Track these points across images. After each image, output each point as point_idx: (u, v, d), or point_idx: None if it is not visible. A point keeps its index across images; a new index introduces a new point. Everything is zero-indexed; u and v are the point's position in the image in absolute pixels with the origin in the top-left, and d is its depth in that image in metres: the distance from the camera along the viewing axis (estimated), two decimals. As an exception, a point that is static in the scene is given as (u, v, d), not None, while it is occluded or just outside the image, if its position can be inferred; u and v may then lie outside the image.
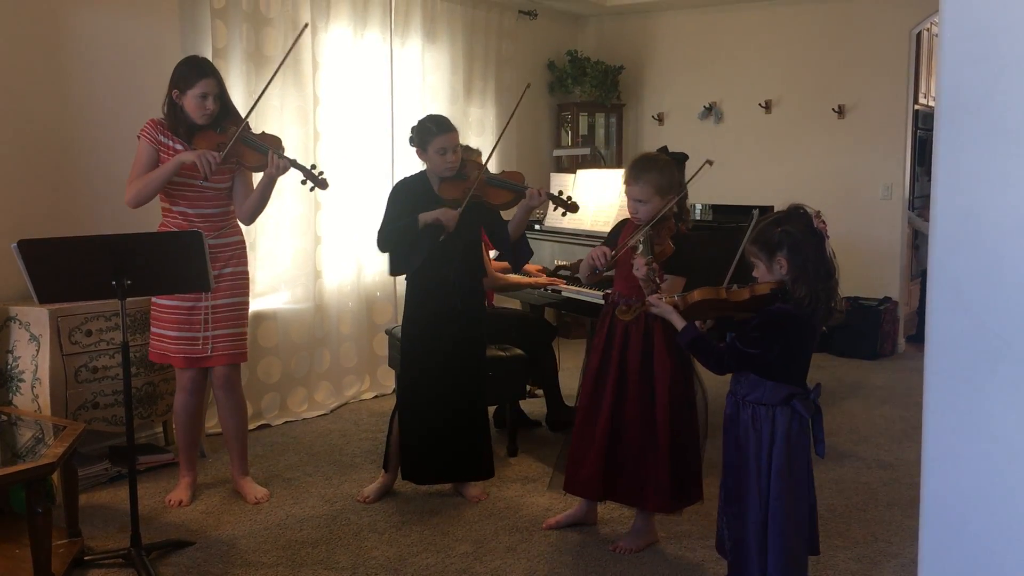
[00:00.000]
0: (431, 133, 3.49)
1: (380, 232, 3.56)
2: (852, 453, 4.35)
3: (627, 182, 3.13)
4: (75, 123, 4.05)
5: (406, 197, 3.56)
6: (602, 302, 3.77)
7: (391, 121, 5.46)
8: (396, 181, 3.72)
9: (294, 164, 3.47)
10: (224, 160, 3.43)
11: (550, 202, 3.62)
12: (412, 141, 3.57)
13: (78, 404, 3.69)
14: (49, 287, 2.95)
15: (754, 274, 2.57)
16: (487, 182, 3.54)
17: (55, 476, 3.17)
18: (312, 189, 3.51)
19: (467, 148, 4.31)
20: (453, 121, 5.74)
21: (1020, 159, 1.76)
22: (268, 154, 3.45)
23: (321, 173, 3.50)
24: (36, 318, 3.63)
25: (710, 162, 3.05)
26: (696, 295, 2.55)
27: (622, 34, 7.38)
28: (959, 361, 1.85)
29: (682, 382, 3.15)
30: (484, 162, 3.58)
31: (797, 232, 2.46)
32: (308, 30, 3.56)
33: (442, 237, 3.43)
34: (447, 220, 3.42)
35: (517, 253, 3.65)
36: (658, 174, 3.07)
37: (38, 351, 3.63)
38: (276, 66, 4.70)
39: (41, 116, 3.95)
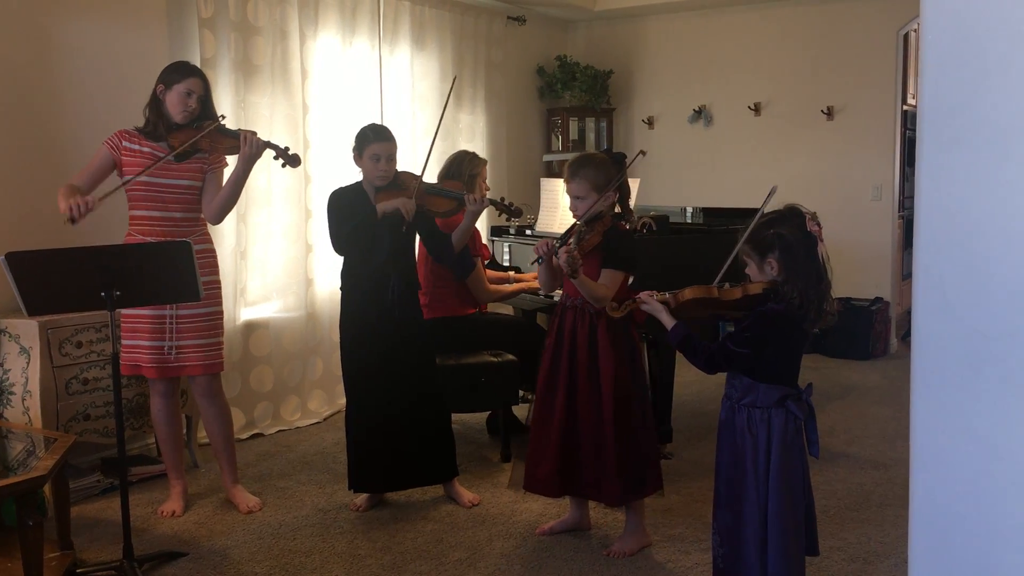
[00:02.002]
0: (367, 139, 3.56)
1: (336, 237, 3.59)
2: (845, 453, 4.36)
3: (566, 180, 3.23)
4: (63, 133, 4.05)
5: (346, 207, 3.61)
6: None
7: (381, 128, 5.47)
8: (333, 190, 3.71)
9: (268, 144, 3.51)
10: (196, 150, 3.46)
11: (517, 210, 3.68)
12: (353, 149, 3.63)
13: (69, 416, 3.68)
14: (38, 299, 2.94)
15: (747, 271, 2.57)
16: (427, 191, 3.57)
17: (46, 488, 3.16)
18: (284, 166, 3.54)
19: (476, 156, 4.31)
20: (443, 127, 5.82)
21: (1002, 160, 1.77)
22: (240, 135, 3.47)
23: (295, 154, 3.54)
24: (26, 330, 3.62)
25: (643, 152, 3.32)
26: (687, 293, 2.54)
27: (611, 39, 7.39)
28: (945, 361, 1.86)
29: (627, 377, 3.19)
30: (422, 171, 3.63)
31: (789, 235, 2.46)
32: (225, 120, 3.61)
33: (404, 228, 3.44)
34: (406, 208, 3.44)
35: (461, 264, 3.70)
36: (594, 171, 3.16)
37: (28, 363, 3.62)
38: (264, 76, 4.75)
39: (29, 127, 3.94)
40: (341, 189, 3.70)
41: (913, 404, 1.92)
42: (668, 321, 2.56)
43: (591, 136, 7.40)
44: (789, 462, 2.49)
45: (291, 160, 3.53)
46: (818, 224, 2.47)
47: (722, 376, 2.63)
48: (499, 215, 3.76)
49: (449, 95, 3.89)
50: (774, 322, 2.47)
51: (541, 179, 5.10)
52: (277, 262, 4.94)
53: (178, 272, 3.02)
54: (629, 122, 7.43)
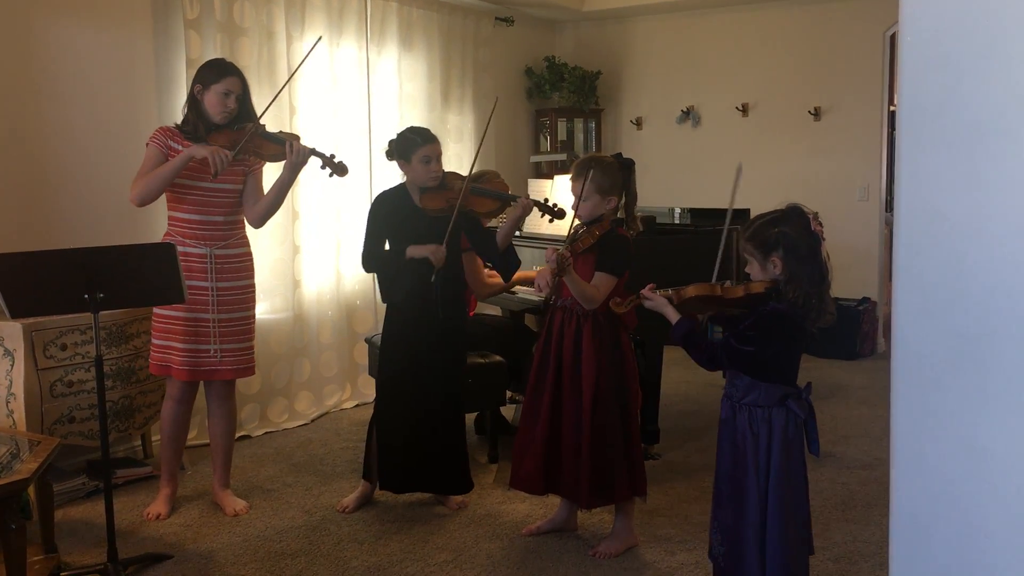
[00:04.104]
0: (415, 144, 3.50)
1: (364, 254, 3.57)
2: (831, 453, 4.37)
3: (571, 179, 3.26)
4: (48, 135, 4.03)
5: (387, 212, 3.57)
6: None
7: (368, 130, 5.46)
8: (376, 194, 3.71)
9: (313, 152, 3.47)
10: (240, 155, 3.42)
11: (535, 209, 3.64)
12: (391, 155, 3.58)
13: (54, 419, 3.66)
14: (21, 302, 2.93)
15: (747, 270, 2.57)
16: (472, 191, 3.55)
17: (30, 491, 3.15)
18: (331, 175, 3.51)
19: (487, 172, 4.28)
20: (431, 128, 5.81)
21: (980, 161, 1.78)
22: (286, 143, 3.44)
23: (341, 162, 3.51)
24: (10, 333, 3.60)
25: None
26: (691, 291, 2.55)
27: (599, 39, 7.40)
28: (925, 362, 1.86)
29: (610, 381, 3.20)
30: (470, 172, 3.60)
31: (793, 233, 2.47)
32: (322, 41, 3.59)
33: (433, 277, 3.41)
34: (437, 259, 3.39)
35: (506, 262, 3.67)
36: (599, 173, 3.18)
37: (12, 366, 3.60)
38: (251, 77, 4.72)
39: (13, 128, 3.92)
40: (384, 194, 3.66)
41: (893, 404, 1.93)
42: (673, 315, 2.56)
43: (579, 137, 7.41)
44: (790, 461, 2.50)
45: (338, 169, 3.48)
46: (820, 224, 2.49)
47: (710, 377, 2.64)
48: (541, 215, 3.71)
49: (491, 116, 3.76)
50: (778, 321, 2.47)
51: (529, 180, 5.10)
52: (264, 263, 4.92)
53: (162, 274, 3.01)
54: (617, 123, 7.44)
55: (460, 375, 3.72)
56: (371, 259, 3.57)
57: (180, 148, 3.43)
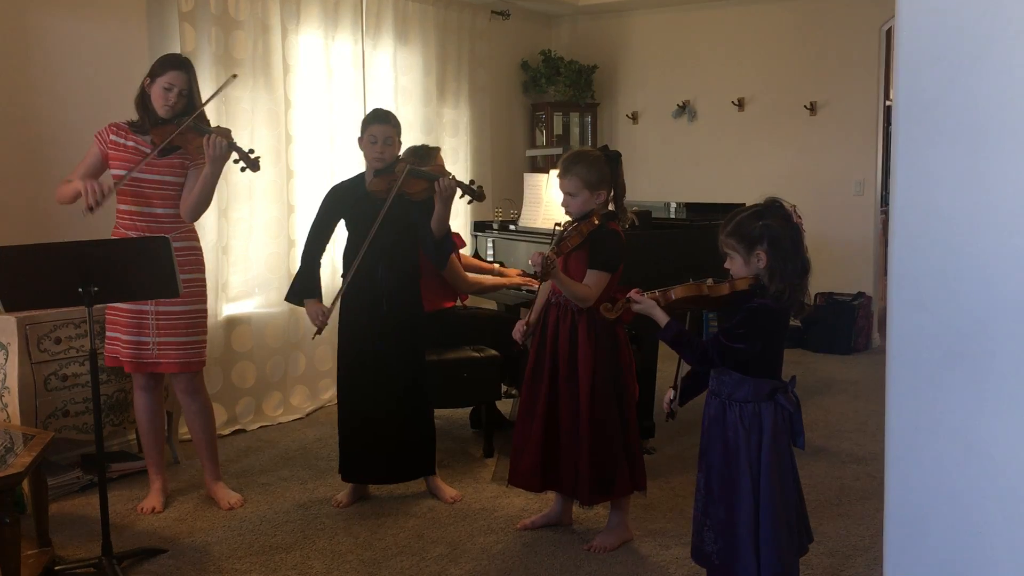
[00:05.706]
0: (368, 121, 3.61)
1: (307, 240, 3.71)
2: (825, 448, 4.38)
3: (559, 176, 3.23)
4: (41, 128, 4.02)
5: (338, 201, 3.66)
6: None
7: (364, 123, 5.45)
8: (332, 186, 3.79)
9: (232, 146, 3.42)
10: (170, 148, 3.42)
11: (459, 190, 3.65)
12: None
13: (48, 412, 3.65)
14: (15, 295, 2.93)
15: (726, 266, 2.58)
16: (409, 173, 3.57)
17: (25, 485, 3.15)
18: (244, 170, 3.46)
19: (426, 147, 4.25)
20: (427, 122, 5.83)
21: (976, 156, 1.78)
22: (206, 137, 3.39)
23: (258, 157, 3.45)
24: (4, 326, 3.59)
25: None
26: (678, 292, 2.57)
27: (595, 33, 7.40)
28: (920, 357, 1.87)
29: (606, 376, 3.19)
30: (409, 157, 3.62)
31: (777, 226, 2.48)
32: (234, 80, 3.70)
33: (313, 337, 3.57)
34: (316, 322, 3.55)
35: (439, 249, 3.68)
36: (586, 168, 3.15)
37: (6, 359, 3.59)
38: (246, 71, 4.71)
39: (5, 121, 3.91)
40: (339, 184, 3.75)
41: (888, 400, 1.94)
42: (662, 318, 2.58)
43: (575, 131, 7.41)
44: (780, 454, 2.50)
45: (251, 164, 3.43)
46: (799, 216, 2.51)
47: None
48: (460, 196, 3.68)
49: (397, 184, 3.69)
50: (766, 317, 2.48)
51: (524, 174, 5.09)
52: (259, 257, 4.92)
53: (157, 268, 3.00)
54: (613, 117, 7.43)
55: (421, 367, 3.72)
56: (304, 252, 3.70)
57: (122, 142, 3.45)
